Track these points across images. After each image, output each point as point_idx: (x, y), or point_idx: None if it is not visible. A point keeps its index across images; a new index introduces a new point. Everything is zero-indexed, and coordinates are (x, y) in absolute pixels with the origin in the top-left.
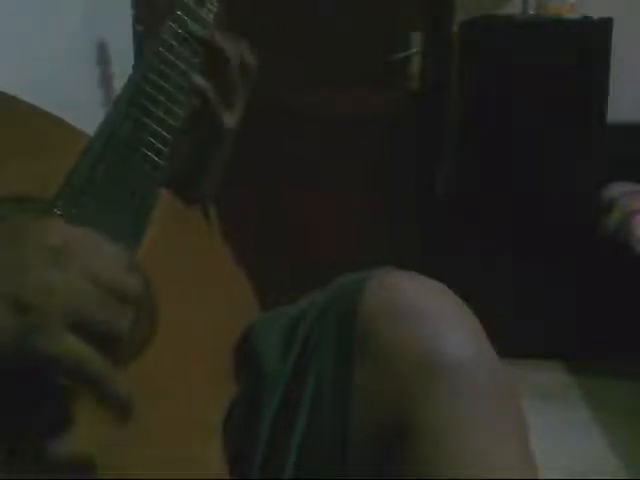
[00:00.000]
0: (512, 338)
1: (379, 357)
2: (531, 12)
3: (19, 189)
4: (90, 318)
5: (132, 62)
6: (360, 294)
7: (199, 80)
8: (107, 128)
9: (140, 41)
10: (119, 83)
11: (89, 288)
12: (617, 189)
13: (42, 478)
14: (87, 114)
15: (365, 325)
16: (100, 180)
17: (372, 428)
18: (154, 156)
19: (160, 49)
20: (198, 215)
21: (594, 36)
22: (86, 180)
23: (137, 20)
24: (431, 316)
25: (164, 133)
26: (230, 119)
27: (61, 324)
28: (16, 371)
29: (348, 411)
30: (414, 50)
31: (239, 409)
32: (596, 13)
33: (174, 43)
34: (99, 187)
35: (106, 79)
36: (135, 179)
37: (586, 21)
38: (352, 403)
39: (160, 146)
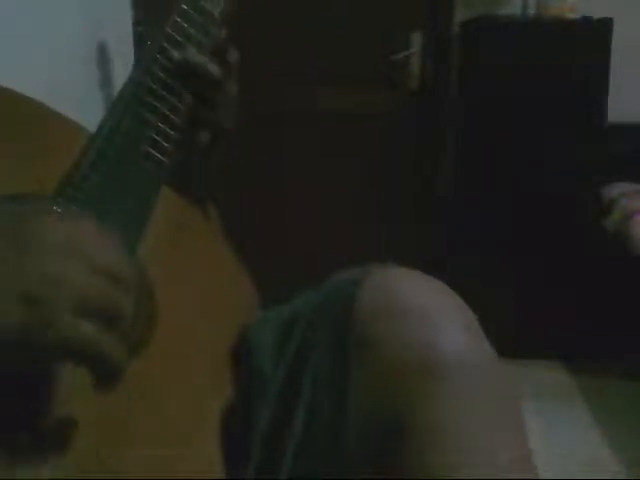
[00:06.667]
0: (512, 338)
1: (376, 357)
2: (531, 12)
3: (17, 188)
4: (95, 305)
5: (132, 63)
6: (356, 293)
7: (197, 58)
8: (109, 124)
9: (140, 41)
10: (119, 84)
11: (91, 277)
12: (617, 189)
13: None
14: (87, 115)
15: (361, 325)
16: (101, 177)
17: (370, 429)
18: (157, 153)
19: (164, 44)
20: (199, 214)
21: (594, 36)
22: (87, 177)
23: (137, 20)
24: (428, 314)
25: (167, 130)
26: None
27: (68, 313)
28: (22, 366)
29: (345, 412)
30: (414, 50)
31: (235, 410)
32: (596, 13)
33: (179, 38)
34: (100, 184)
35: (106, 79)
36: (137, 176)
37: (586, 21)
38: (349, 404)
39: (163, 143)
